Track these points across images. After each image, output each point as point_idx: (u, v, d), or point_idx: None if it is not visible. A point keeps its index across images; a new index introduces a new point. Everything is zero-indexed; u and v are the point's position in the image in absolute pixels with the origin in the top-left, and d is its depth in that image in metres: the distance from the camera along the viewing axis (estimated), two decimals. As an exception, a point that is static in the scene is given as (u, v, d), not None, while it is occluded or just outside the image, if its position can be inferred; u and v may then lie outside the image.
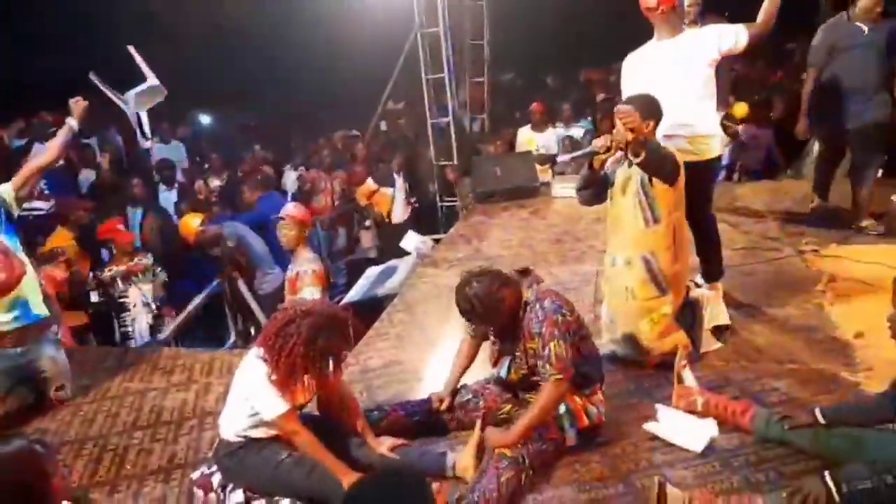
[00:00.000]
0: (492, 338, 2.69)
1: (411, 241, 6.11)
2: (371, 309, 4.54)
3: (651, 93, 2.99)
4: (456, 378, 2.82)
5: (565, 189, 6.01)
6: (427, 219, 7.12)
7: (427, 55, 7.26)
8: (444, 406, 2.76)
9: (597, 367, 2.64)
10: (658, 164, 2.86)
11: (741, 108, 6.55)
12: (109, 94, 5.95)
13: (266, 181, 6.56)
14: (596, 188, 3.17)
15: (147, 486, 2.70)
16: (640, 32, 4.07)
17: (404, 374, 3.44)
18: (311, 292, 3.47)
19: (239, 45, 11.67)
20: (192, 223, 5.18)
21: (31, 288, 3.23)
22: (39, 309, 3.27)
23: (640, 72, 3.40)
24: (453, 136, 7.35)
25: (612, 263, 3.14)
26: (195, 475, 2.57)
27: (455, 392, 2.80)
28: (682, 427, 2.62)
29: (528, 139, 6.95)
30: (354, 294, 5.44)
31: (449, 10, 7.09)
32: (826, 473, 2.05)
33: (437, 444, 2.70)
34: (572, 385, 2.48)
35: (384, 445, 2.56)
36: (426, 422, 2.76)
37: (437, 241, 6.21)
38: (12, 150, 7.26)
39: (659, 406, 2.74)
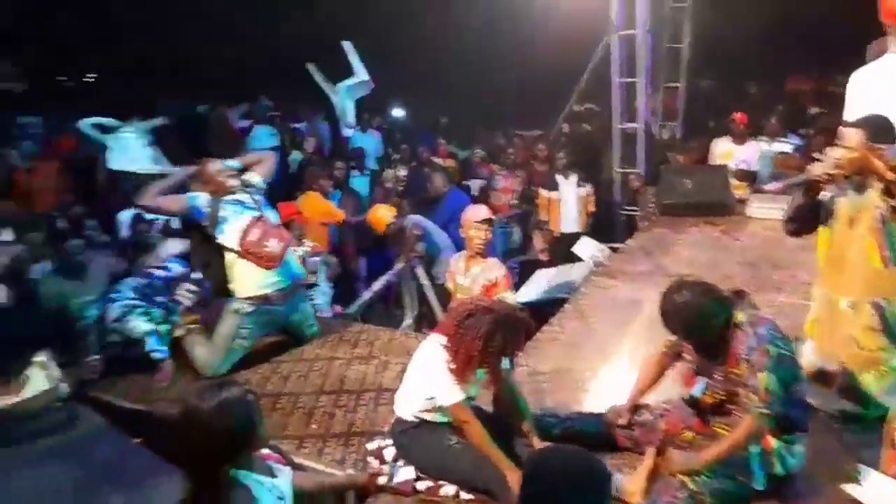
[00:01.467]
0: (687, 356, 2.56)
1: (586, 247, 5.98)
2: (539, 312, 4.53)
3: (884, 114, 2.65)
4: (638, 394, 2.73)
5: (764, 209, 5.54)
6: (605, 226, 6.93)
7: (621, 58, 7.05)
8: (622, 421, 2.68)
9: (803, 413, 2.41)
10: None
11: None
12: (323, 84, 6.52)
13: (450, 174, 6.78)
14: (807, 218, 2.88)
15: (329, 447, 2.94)
16: (857, 39, 3.61)
17: (573, 382, 3.41)
18: (510, 297, 3.54)
19: (432, 40, 12.21)
20: (384, 215, 5.39)
21: (289, 252, 3.81)
22: (298, 268, 3.90)
23: (871, 89, 3.03)
24: (641, 143, 7.08)
25: (828, 304, 2.83)
26: (372, 445, 2.76)
27: (635, 409, 2.71)
28: (889, 496, 2.31)
29: (726, 152, 6.47)
30: (524, 295, 5.46)
31: (650, 12, 6.82)
32: None
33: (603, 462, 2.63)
34: (774, 426, 2.29)
35: (549, 452, 2.56)
36: (598, 435, 2.70)
37: (613, 250, 6.04)
38: (237, 131, 8.26)
39: (864, 468, 2.44)
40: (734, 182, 6.23)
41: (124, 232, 5.38)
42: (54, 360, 3.13)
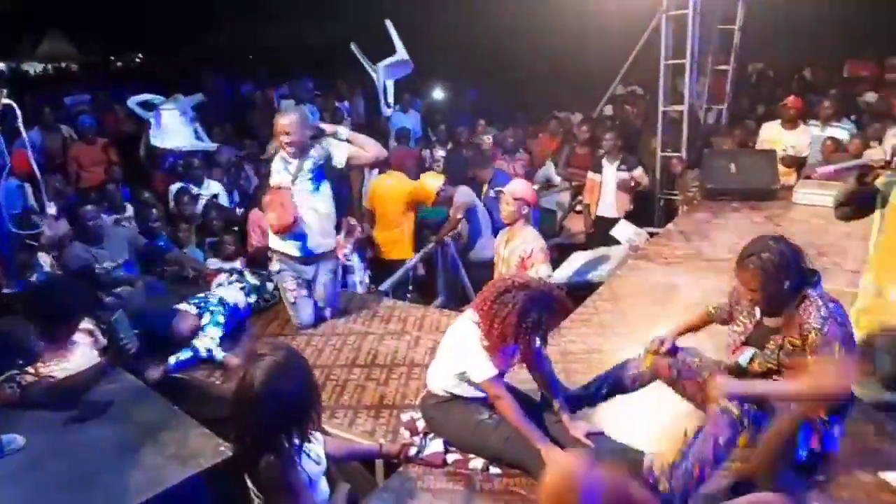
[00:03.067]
0: (737, 327, 2.52)
1: (624, 231, 5.89)
2: (574, 294, 4.49)
3: None
4: (680, 329, 2.76)
5: (811, 196, 5.37)
6: (643, 210, 6.80)
7: (670, 39, 6.87)
8: (662, 349, 2.68)
9: (850, 394, 2.37)
10: None
11: None
12: (364, 63, 6.49)
13: (486, 155, 6.72)
14: (860, 204, 2.79)
15: (360, 418, 3.00)
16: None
17: (603, 362, 3.35)
18: (544, 269, 3.57)
19: (479, 22, 12.11)
20: (433, 185, 5.35)
21: (311, 229, 3.79)
22: (314, 248, 3.84)
23: None
24: (685, 126, 6.91)
25: (877, 294, 2.76)
26: (404, 417, 2.80)
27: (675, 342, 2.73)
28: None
29: (775, 137, 6.25)
30: (558, 277, 5.41)
31: (702, -8, 6.62)
32: None
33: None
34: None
35: (579, 430, 2.55)
36: (635, 376, 2.73)
37: (651, 234, 5.93)
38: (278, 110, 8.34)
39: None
40: (781, 168, 6.03)
41: (171, 204, 5.54)
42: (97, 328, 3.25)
